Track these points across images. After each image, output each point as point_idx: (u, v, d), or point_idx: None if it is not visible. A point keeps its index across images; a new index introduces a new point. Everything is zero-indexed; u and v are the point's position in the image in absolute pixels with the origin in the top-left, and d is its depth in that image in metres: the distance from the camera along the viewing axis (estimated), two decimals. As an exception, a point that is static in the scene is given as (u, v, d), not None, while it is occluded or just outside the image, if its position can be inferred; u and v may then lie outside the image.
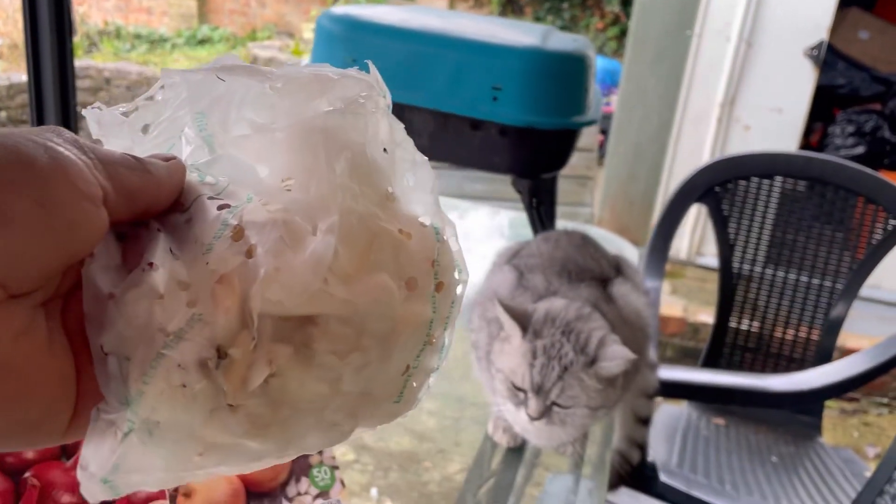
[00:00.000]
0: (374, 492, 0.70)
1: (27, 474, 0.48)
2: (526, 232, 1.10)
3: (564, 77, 0.93)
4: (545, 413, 0.64)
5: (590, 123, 0.98)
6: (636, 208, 2.78)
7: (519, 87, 0.91)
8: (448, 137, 0.95)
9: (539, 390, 0.63)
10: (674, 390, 1.16)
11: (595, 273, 0.80)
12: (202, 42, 5.56)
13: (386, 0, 5.48)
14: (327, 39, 1.01)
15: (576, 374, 0.63)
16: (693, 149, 2.66)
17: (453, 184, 2.82)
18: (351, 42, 0.98)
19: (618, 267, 0.85)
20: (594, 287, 0.78)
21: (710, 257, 2.69)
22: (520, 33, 0.99)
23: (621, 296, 0.79)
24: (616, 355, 0.63)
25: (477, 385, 0.79)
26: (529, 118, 0.91)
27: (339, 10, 1.01)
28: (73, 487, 0.48)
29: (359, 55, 0.98)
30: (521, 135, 0.93)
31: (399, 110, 0.91)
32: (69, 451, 0.50)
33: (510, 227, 1.45)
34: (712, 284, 2.28)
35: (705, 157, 2.66)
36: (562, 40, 0.98)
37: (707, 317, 2.33)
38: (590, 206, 2.96)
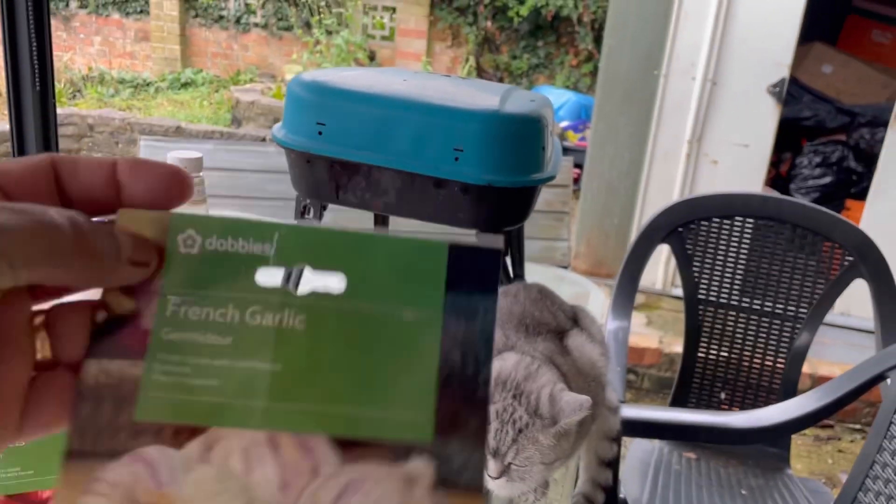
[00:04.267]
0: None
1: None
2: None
3: (521, 138, 0.98)
4: (504, 472, 0.67)
5: (548, 180, 1.03)
6: (611, 242, 2.84)
7: (478, 148, 0.96)
8: (414, 195, 1.00)
9: (496, 454, 0.67)
10: (640, 429, 1.20)
11: (552, 326, 0.84)
12: (185, 85, 5.63)
13: (365, 42, 5.57)
14: (297, 105, 1.06)
15: (531, 436, 0.66)
16: (664, 184, 2.74)
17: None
18: (320, 107, 1.04)
19: (575, 318, 0.90)
20: (550, 340, 0.82)
21: (687, 288, 2.74)
22: (481, 95, 1.04)
23: (576, 347, 0.83)
24: (573, 406, 0.66)
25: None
26: (489, 177, 0.97)
27: (308, 76, 1.06)
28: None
29: (327, 119, 1.04)
30: (483, 192, 0.98)
31: (367, 170, 0.99)
32: None
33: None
34: (685, 318, 2.31)
35: (676, 192, 2.73)
36: (520, 102, 1.04)
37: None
38: (567, 240, 3.03)
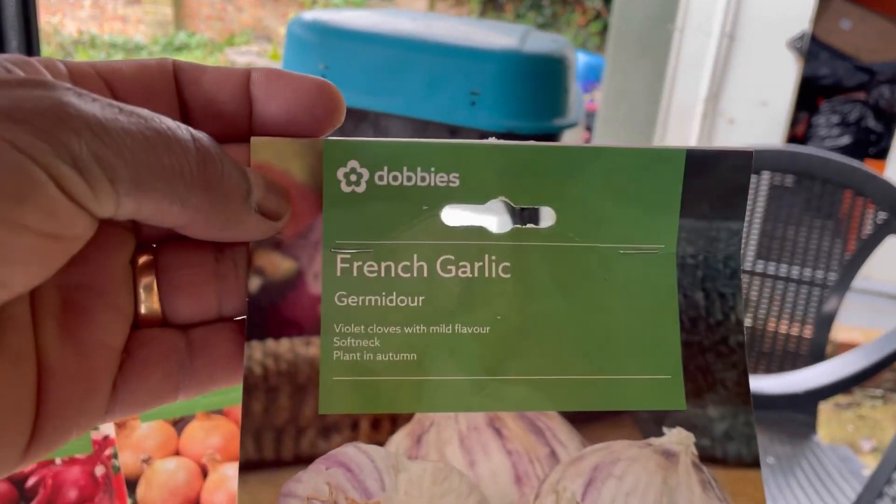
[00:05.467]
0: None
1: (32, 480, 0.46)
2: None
3: (543, 79, 0.90)
4: None
5: (571, 125, 0.95)
6: (623, 205, 2.76)
7: (497, 91, 0.88)
8: (426, 145, 0.93)
9: None
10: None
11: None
12: (179, 49, 5.51)
13: (365, 2, 5.45)
14: (299, 46, 0.98)
15: None
16: (679, 144, 2.65)
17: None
18: (323, 48, 0.95)
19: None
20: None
21: (699, 252, 2.65)
22: (497, 35, 0.96)
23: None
24: None
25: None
26: (509, 123, 0.89)
27: (309, 15, 0.98)
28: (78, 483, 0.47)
29: (331, 62, 0.95)
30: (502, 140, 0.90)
31: (374, 118, 0.87)
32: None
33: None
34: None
35: (691, 152, 2.64)
36: (540, 41, 0.95)
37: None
38: (576, 204, 2.94)
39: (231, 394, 0.55)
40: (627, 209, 0.21)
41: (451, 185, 0.20)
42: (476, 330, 0.20)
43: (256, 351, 0.19)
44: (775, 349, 1.47)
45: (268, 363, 0.20)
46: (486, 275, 0.20)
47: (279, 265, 0.20)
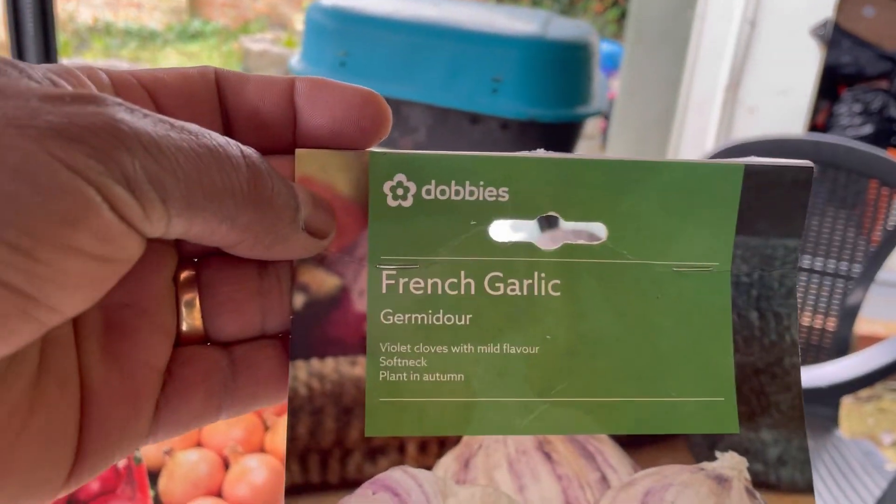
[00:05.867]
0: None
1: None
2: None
3: (567, 66, 0.88)
4: None
5: (595, 114, 0.94)
6: (640, 195, 2.74)
7: (520, 78, 0.86)
8: (446, 133, 0.91)
9: None
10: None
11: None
12: (194, 37, 5.51)
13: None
14: (318, 33, 0.97)
15: None
16: (698, 133, 2.62)
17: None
18: (342, 35, 0.94)
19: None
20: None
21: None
22: (519, 21, 0.94)
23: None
24: None
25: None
26: (531, 110, 0.87)
27: (328, 1, 0.96)
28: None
29: (351, 48, 0.94)
30: (524, 128, 0.89)
31: (395, 106, 0.85)
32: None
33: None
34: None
35: (710, 142, 2.61)
36: (563, 27, 0.93)
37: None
38: (593, 193, 2.91)
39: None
40: (681, 226, 0.20)
41: (500, 199, 0.20)
42: (525, 350, 0.20)
43: (301, 371, 0.19)
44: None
45: (313, 384, 0.19)
46: (536, 293, 0.20)
47: (324, 282, 0.19)
